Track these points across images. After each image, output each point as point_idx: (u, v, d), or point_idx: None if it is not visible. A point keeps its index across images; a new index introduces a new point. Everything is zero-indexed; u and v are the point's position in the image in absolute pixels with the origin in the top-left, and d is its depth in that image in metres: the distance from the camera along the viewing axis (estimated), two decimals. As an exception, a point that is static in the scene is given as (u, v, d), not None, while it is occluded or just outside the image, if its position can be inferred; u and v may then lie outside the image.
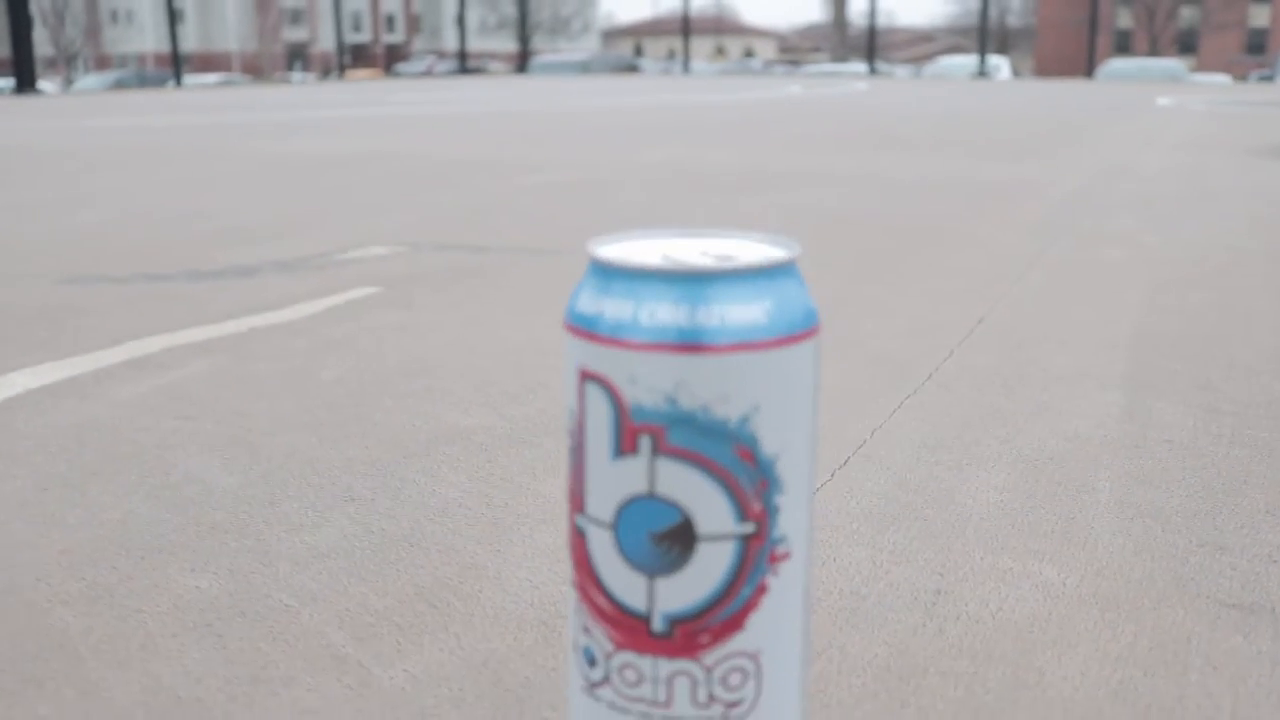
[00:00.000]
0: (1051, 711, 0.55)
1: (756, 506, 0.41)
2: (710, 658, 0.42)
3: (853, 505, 0.81)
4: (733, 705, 0.43)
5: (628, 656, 0.43)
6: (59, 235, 2.14)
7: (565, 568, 0.71)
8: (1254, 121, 5.46)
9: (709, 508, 0.41)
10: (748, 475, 0.41)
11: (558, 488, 0.85)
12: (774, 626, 0.43)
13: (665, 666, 0.43)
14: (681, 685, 0.43)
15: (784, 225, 2.19)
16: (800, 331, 0.41)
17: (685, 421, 0.40)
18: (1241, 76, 20.43)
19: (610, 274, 0.41)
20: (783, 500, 0.42)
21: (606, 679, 0.44)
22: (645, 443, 0.40)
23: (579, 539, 0.44)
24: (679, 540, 0.41)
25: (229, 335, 1.34)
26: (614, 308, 0.40)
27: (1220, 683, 0.58)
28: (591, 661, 0.44)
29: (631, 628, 0.43)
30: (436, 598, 0.68)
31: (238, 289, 1.61)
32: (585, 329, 0.41)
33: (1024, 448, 0.93)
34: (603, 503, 0.42)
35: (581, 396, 0.42)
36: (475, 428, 1.00)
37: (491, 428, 1.00)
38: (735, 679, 0.43)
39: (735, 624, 0.42)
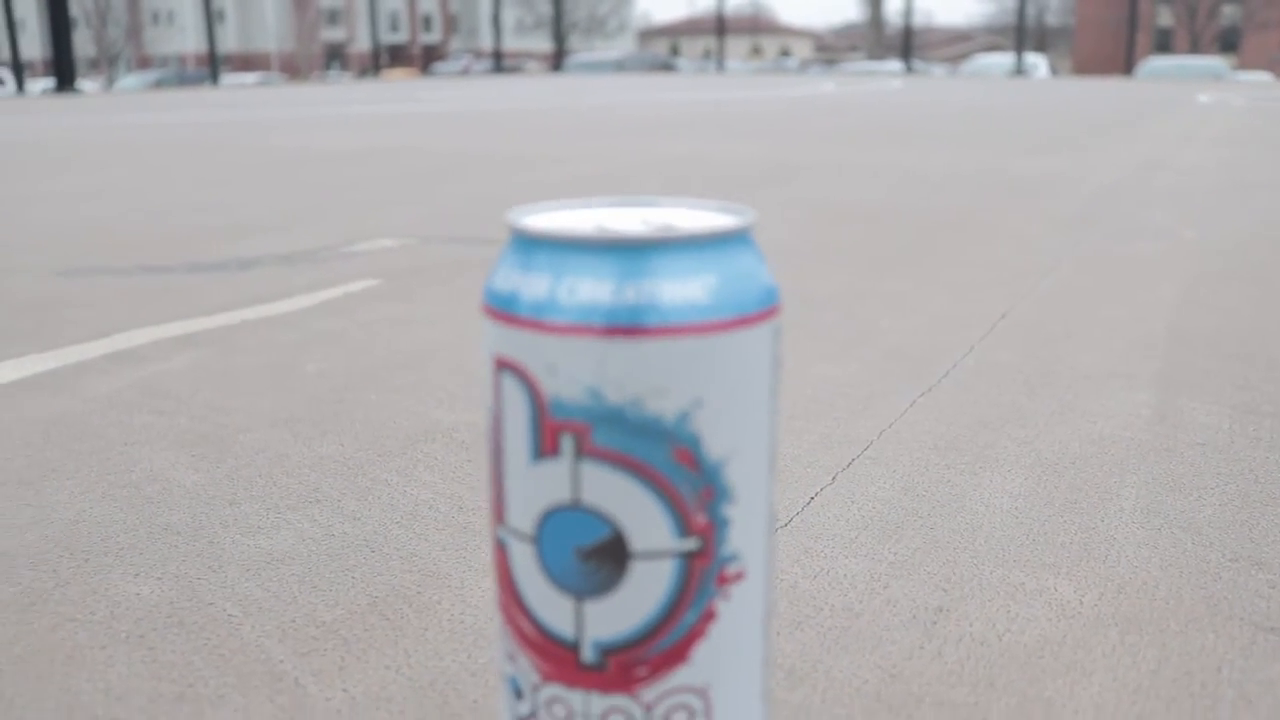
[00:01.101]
0: (1060, 750, 0.49)
1: (700, 519, 0.35)
2: (650, 694, 0.37)
3: (853, 512, 0.75)
4: (677, 748, 0.37)
5: (556, 690, 0.37)
6: (62, 227, 2.11)
7: (533, 578, 0.66)
8: (1299, 117, 5.32)
9: (643, 520, 0.35)
10: (689, 483, 0.35)
11: (537, 490, 0.80)
12: (726, 658, 0.37)
13: (598, 703, 0.37)
14: (617, 724, 0.37)
15: (804, 217, 2.12)
16: (753, 313, 0.35)
17: (613, 419, 0.34)
18: (1286, 74, 20.03)
19: (531, 246, 0.35)
20: (733, 512, 0.36)
21: (534, 714, 0.38)
22: (567, 443, 0.35)
23: (501, 554, 0.38)
24: (609, 557, 0.35)
25: (217, 328, 1.29)
26: (531, 284, 0.35)
27: (1256, 714, 0.51)
28: (518, 694, 0.39)
29: (559, 657, 0.37)
30: (390, 609, 0.63)
31: (235, 281, 1.56)
32: (502, 310, 0.35)
33: (1044, 451, 0.86)
34: (524, 513, 0.36)
35: (497, 389, 0.36)
36: (458, 424, 0.94)
37: (475, 424, 0.94)
38: (680, 717, 0.37)
39: (678, 655, 0.36)
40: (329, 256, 1.75)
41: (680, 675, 0.36)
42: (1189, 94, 8.16)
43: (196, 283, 1.56)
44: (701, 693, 0.37)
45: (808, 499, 0.77)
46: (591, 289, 0.34)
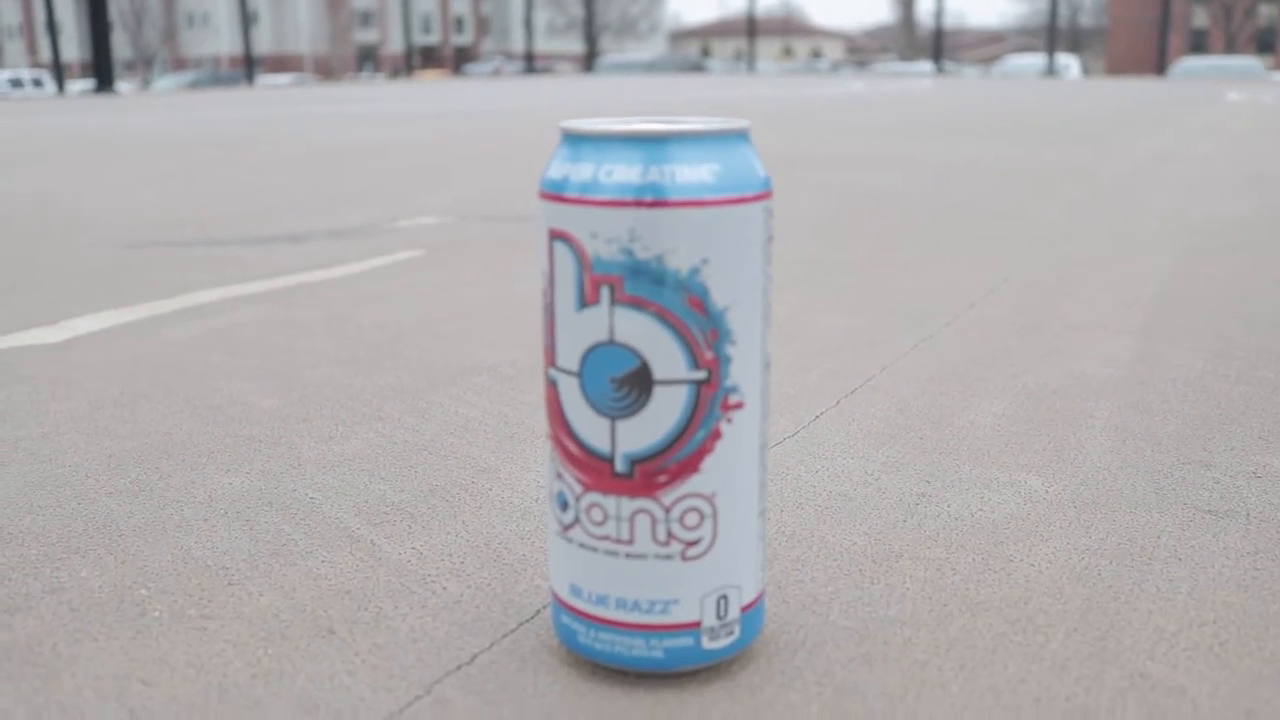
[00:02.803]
0: (1013, 590, 0.58)
1: (708, 355, 0.45)
2: (668, 497, 0.46)
3: (852, 427, 0.85)
4: (691, 544, 0.47)
5: (594, 497, 0.47)
6: (121, 209, 2.23)
7: (571, 471, 0.76)
8: (1324, 114, 5.35)
9: (663, 354, 0.45)
10: (699, 324, 0.45)
11: (573, 410, 0.90)
12: (729, 472, 0.47)
13: (627, 505, 0.47)
14: (642, 523, 0.47)
15: (825, 199, 2.21)
16: (749, 194, 0.45)
17: (640, 272, 0.44)
18: (1322, 75, 19.87)
19: (578, 142, 0.45)
20: (734, 351, 0.46)
21: (577, 520, 0.48)
22: (605, 293, 0.45)
23: (552, 390, 0.48)
24: (637, 384, 0.45)
25: (277, 289, 1.40)
26: (579, 172, 0.45)
27: (1182, 570, 0.61)
28: (564, 505, 0.49)
29: (597, 469, 0.47)
30: (449, 494, 0.73)
31: (288, 253, 1.67)
32: (554, 193, 0.45)
33: (1028, 383, 0.95)
34: (570, 352, 0.46)
35: (551, 255, 0.46)
36: (501, 361, 1.04)
37: (517, 361, 1.04)
38: (692, 519, 0.47)
39: (691, 466, 0.46)
40: (375, 232, 1.87)
41: (693, 483, 0.46)
42: (1219, 93, 8.17)
43: (252, 254, 1.67)
44: (709, 499, 0.47)
45: (813, 417, 0.87)
46: (625, 172, 0.44)
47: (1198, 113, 5.52)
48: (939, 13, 17.64)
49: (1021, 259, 1.55)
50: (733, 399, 0.46)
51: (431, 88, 10.88)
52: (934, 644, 0.53)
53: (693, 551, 0.47)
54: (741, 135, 0.46)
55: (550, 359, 0.47)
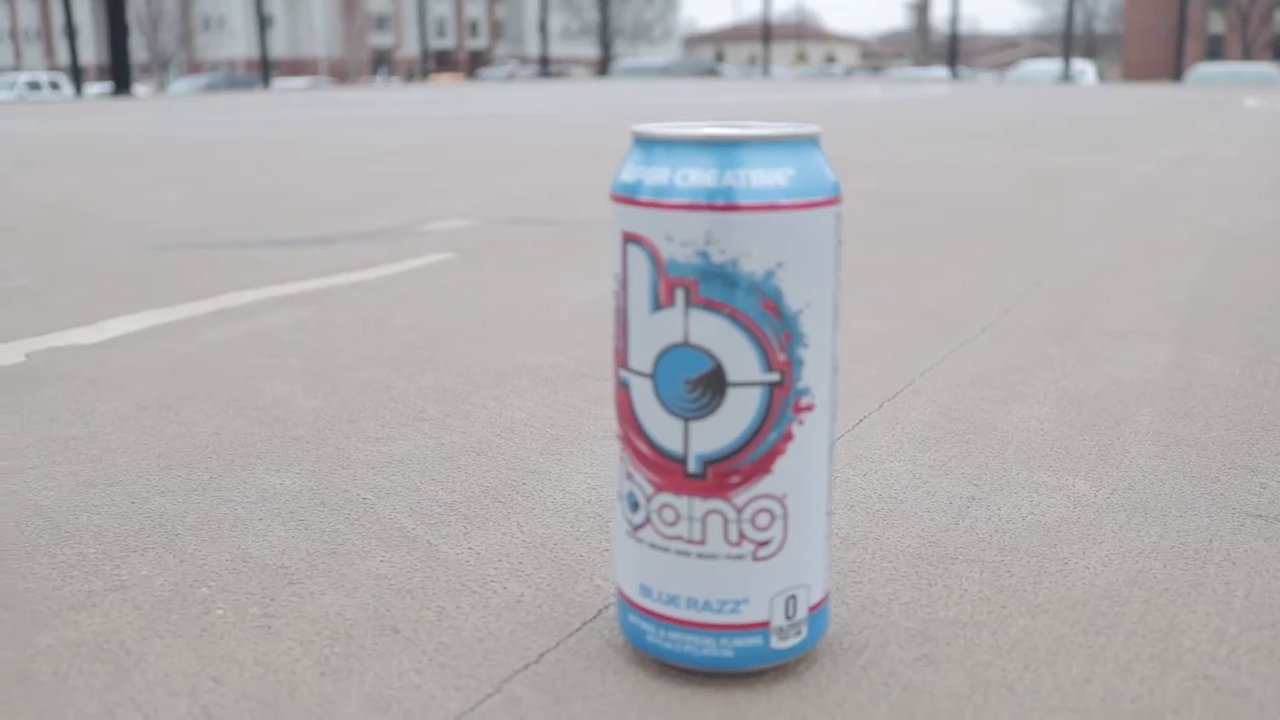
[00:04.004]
0: (1071, 593, 0.59)
1: (781, 357, 0.46)
2: (740, 498, 0.47)
3: (897, 430, 0.85)
4: (762, 544, 0.48)
5: (666, 497, 0.48)
6: (145, 211, 2.24)
7: (620, 473, 0.76)
8: (1345, 120, 5.34)
9: (737, 356, 0.45)
10: (772, 327, 0.45)
11: (617, 413, 0.90)
12: (799, 473, 0.47)
13: (700, 506, 0.47)
14: (714, 523, 0.47)
15: (849, 205, 2.21)
16: (821, 198, 0.45)
17: (715, 275, 0.44)
18: (1338, 81, 19.79)
19: (651, 146, 0.46)
20: (806, 354, 0.46)
21: (648, 520, 0.49)
22: (680, 295, 0.45)
23: (623, 391, 0.48)
24: (711, 386, 0.46)
25: (310, 291, 1.41)
26: (653, 175, 0.45)
27: (1236, 575, 0.61)
28: (634, 506, 0.49)
29: (669, 470, 0.47)
30: (500, 495, 0.73)
31: (317, 255, 1.68)
32: (628, 196, 0.46)
33: (1068, 387, 0.96)
34: (643, 354, 0.47)
35: (624, 257, 0.46)
36: (541, 365, 1.05)
37: (557, 364, 1.05)
38: (763, 519, 0.47)
39: (763, 467, 0.47)
40: (403, 235, 1.87)
41: (764, 484, 0.47)
42: (1236, 99, 8.15)
43: (282, 256, 1.68)
44: (780, 500, 0.47)
45: (857, 420, 0.87)
46: (700, 176, 0.44)
47: (1216, 118, 5.51)
48: (954, 18, 17.63)
49: (1051, 263, 1.55)
50: (804, 401, 0.47)
51: (448, 91, 10.91)
52: (996, 645, 0.53)
53: (763, 552, 0.48)
54: (813, 140, 0.46)
55: (622, 360, 0.48)
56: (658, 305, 0.46)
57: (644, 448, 0.48)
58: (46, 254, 1.73)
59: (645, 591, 0.49)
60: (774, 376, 0.46)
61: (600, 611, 0.57)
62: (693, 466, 0.47)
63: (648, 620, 0.50)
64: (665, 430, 0.47)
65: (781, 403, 0.46)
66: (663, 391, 0.46)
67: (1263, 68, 16.51)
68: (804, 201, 0.45)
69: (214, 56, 38.76)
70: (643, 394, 0.47)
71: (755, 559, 0.48)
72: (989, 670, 0.51)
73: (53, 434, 0.87)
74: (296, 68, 35.99)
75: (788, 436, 0.47)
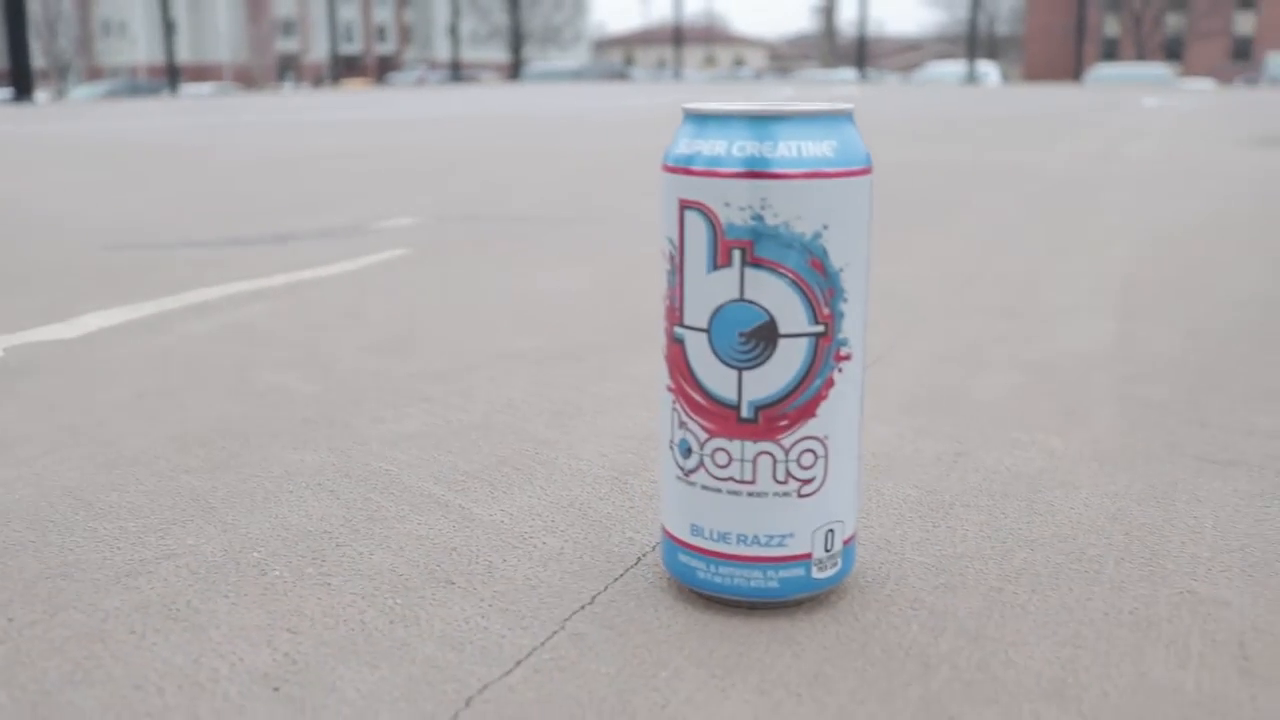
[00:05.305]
0: (1061, 529, 0.65)
1: (826, 310, 0.51)
2: (788, 440, 0.52)
3: (878, 398, 0.91)
4: (805, 482, 0.53)
5: (720, 442, 0.52)
6: (90, 213, 2.23)
7: (629, 442, 0.81)
8: (1236, 120, 5.59)
9: (788, 310, 0.50)
10: (819, 283, 0.50)
11: (612, 389, 0.95)
12: (839, 416, 0.53)
13: (751, 448, 0.52)
14: (764, 464, 0.52)
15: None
16: (859, 167, 0.51)
17: (769, 236, 0.49)
18: (1227, 82, 20.66)
19: (704, 120, 0.51)
20: (846, 308, 0.51)
21: (700, 465, 0.53)
22: (737, 256, 0.50)
23: (676, 347, 0.53)
24: (764, 337, 0.51)
25: (278, 286, 1.43)
26: (709, 147, 0.50)
27: (1203, 510, 0.68)
28: (687, 452, 0.54)
29: (723, 416, 0.52)
30: (518, 463, 0.78)
31: (277, 252, 1.70)
32: (683, 166, 0.51)
33: (1028, 359, 1.03)
34: (699, 311, 0.51)
35: (681, 223, 0.51)
36: (527, 348, 1.09)
37: (541, 348, 1.09)
38: (808, 459, 0.52)
39: (808, 411, 0.52)
40: (356, 233, 1.90)
41: (809, 426, 0.52)
42: (1136, 99, 8.45)
43: (241, 254, 1.69)
44: (822, 441, 0.52)
45: (838, 391, 0.93)
46: (756, 146, 0.49)
47: (1120, 117, 5.72)
48: (862, 21, 17.97)
49: (990, 253, 1.63)
50: (844, 350, 0.52)
51: (362, 96, 10.83)
52: (1003, 573, 0.59)
53: (807, 489, 0.53)
54: (849, 116, 0.51)
55: (677, 318, 0.53)
56: (715, 265, 0.50)
57: (699, 397, 0.52)
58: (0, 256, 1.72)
59: (696, 531, 0.54)
60: (819, 328, 0.51)
61: (640, 559, 0.62)
62: (745, 412, 0.52)
63: (699, 558, 0.54)
64: (720, 380, 0.52)
65: (825, 352, 0.51)
66: (718, 344, 0.51)
67: (1157, 69, 17.11)
68: (846, 170, 0.50)
69: (115, 62, 37.82)
70: (698, 348, 0.52)
71: (800, 496, 0.53)
72: (1001, 594, 0.57)
73: (57, 422, 0.89)
74: (201, 73, 35.29)
75: (829, 383, 0.52)
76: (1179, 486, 0.71)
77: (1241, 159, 3.20)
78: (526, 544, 0.64)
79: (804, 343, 0.51)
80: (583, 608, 0.56)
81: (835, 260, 0.50)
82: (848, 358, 0.52)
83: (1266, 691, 0.48)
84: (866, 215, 0.51)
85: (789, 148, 0.49)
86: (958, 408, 0.88)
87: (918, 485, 0.72)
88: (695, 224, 0.50)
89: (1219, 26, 30.98)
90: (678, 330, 0.53)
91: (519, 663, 0.51)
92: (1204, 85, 16.35)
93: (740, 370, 0.51)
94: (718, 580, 0.54)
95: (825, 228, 0.50)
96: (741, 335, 0.51)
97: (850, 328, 0.52)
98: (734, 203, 0.49)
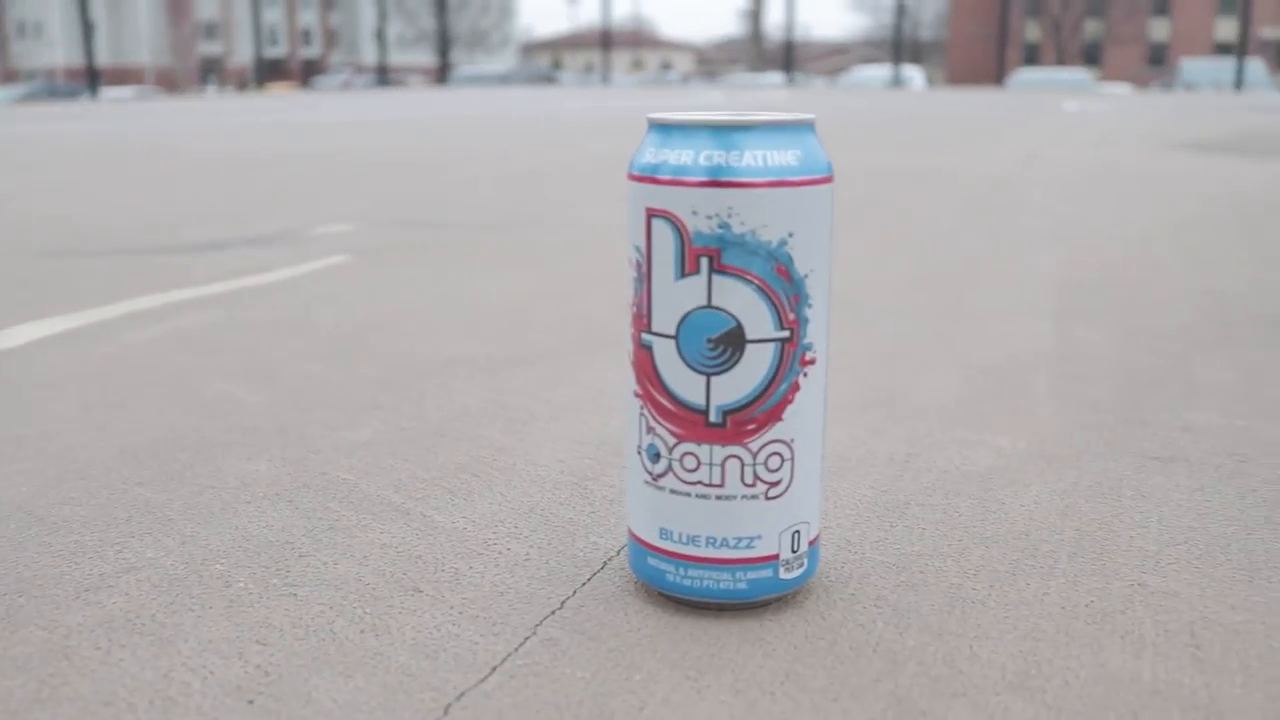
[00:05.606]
0: (1014, 526, 0.67)
1: (791, 316, 0.52)
2: (755, 443, 0.53)
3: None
4: (773, 485, 0.54)
5: (688, 446, 0.53)
6: (13, 220, 2.18)
7: (586, 448, 0.82)
8: (1153, 123, 5.74)
9: (755, 316, 0.51)
10: (785, 290, 0.51)
11: (565, 395, 0.95)
12: (804, 420, 0.54)
13: (719, 452, 0.53)
14: (732, 467, 0.53)
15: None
16: (822, 176, 0.52)
17: (736, 244, 0.50)
18: (1144, 86, 21.20)
19: (670, 130, 0.51)
20: (811, 313, 0.52)
21: (669, 469, 0.54)
22: (704, 263, 0.51)
23: (644, 353, 0.54)
24: (732, 343, 0.51)
25: (219, 294, 1.42)
26: (675, 156, 0.51)
27: (1148, 505, 0.70)
28: (655, 456, 0.54)
29: (691, 421, 0.53)
30: (477, 469, 0.78)
31: (213, 260, 1.68)
32: (649, 175, 0.51)
33: (969, 361, 1.05)
34: (667, 318, 0.52)
35: (648, 231, 0.52)
36: (476, 355, 1.09)
37: (490, 354, 1.09)
38: (774, 462, 0.53)
39: (775, 415, 0.53)
40: (294, 239, 1.88)
41: (776, 430, 0.53)
42: (1057, 103, 8.64)
43: (177, 261, 1.67)
44: (789, 444, 0.53)
45: (789, 394, 0.94)
46: (723, 155, 0.50)
47: (1044, 121, 5.85)
48: (789, 25, 18.13)
49: (926, 255, 1.66)
50: (809, 355, 0.53)
51: (289, 101, 10.69)
52: (962, 570, 0.61)
53: (774, 491, 0.54)
54: (811, 126, 0.52)
55: (645, 325, 0.53)
56: (683, 272, 0.51)
57: (667, 402, 0.53)
58: (-79, 265, 1.67)
59: (665, 535, 0.55)
60: (785, 334, 0.52)
61: (605, 563, 0.62)
62: (713, 417, 0.52)
63: (668, 561, 0.55)
64: (688, 385, 0.52)
65: (791, 357, 0.52)
66: (686, 350, 0.52)
67: (1077, 74, 17.50)
68: (810, 178, 0.51)
69: (31, 65, 36.89)
70: (666, 354, 0.53)
71: (767, 498, 0.54)
72: (961, 590, 0.58)
73: (3, 434, 0.87)
74: (121, 76, 34.56)
75: (795, 387, 0.53)
76: (1124, 483, 0.74)
77: (1167, 163, 3.29)
78: (491, 550, 0.65)
79: (770, 348, 0.52)
80: (553, 613, 0.57)
81: (800, 267, 0.51)
82: (812, 362, 0.53)
83: (1219, 679, 0.50)
84: (829, 222, 0.53)
85: (755, 157, 0.50)
86: (905, 409, 0.90)
87: (873, 486, 0.73)
88: (663, 232, 0.51)
89: (1135, 33, 31.78)
90: (645, 337, 0.53)
91: (494, 669, 0.51)
92: (1122, 90, 16.75)
93: (708, 375, 0.52)
94: (687, 583, 0.55)
95: (790, 235, 0.51)
96: (709, 341, 0.52)
97: (815, 333, 0.53)
98: (701, 211, 0.50)
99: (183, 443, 0.85)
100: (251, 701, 0.49)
